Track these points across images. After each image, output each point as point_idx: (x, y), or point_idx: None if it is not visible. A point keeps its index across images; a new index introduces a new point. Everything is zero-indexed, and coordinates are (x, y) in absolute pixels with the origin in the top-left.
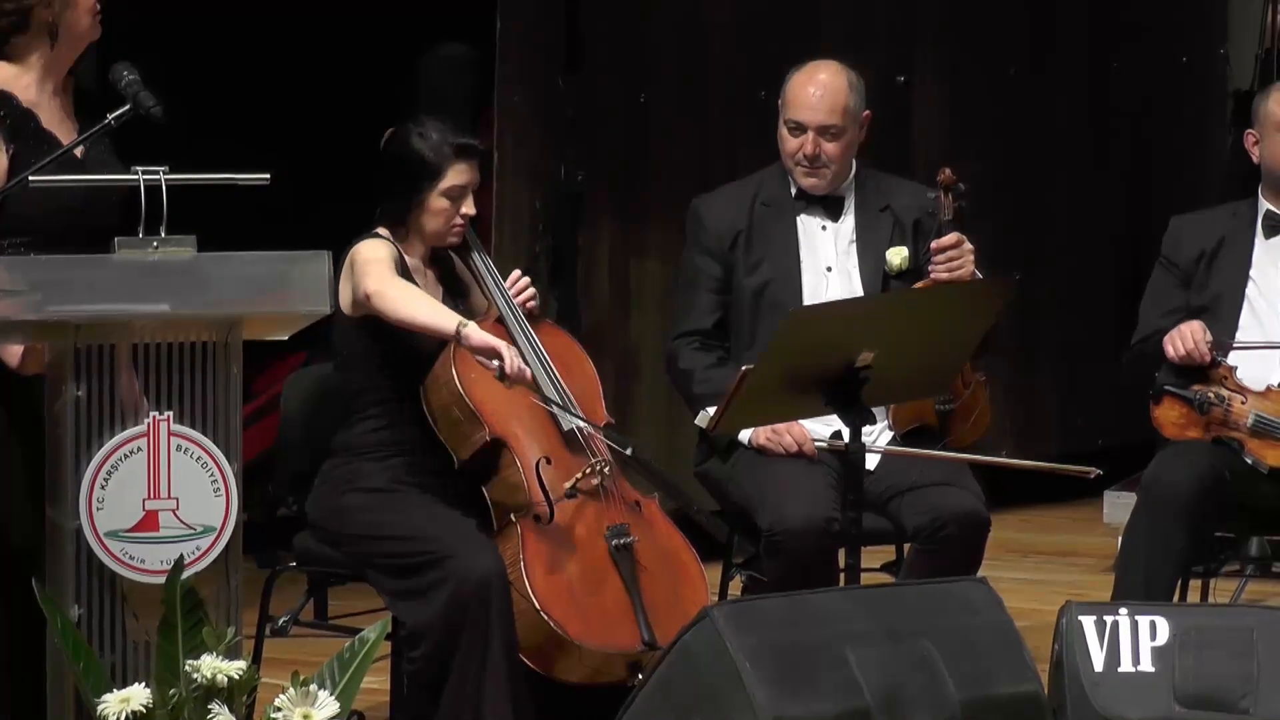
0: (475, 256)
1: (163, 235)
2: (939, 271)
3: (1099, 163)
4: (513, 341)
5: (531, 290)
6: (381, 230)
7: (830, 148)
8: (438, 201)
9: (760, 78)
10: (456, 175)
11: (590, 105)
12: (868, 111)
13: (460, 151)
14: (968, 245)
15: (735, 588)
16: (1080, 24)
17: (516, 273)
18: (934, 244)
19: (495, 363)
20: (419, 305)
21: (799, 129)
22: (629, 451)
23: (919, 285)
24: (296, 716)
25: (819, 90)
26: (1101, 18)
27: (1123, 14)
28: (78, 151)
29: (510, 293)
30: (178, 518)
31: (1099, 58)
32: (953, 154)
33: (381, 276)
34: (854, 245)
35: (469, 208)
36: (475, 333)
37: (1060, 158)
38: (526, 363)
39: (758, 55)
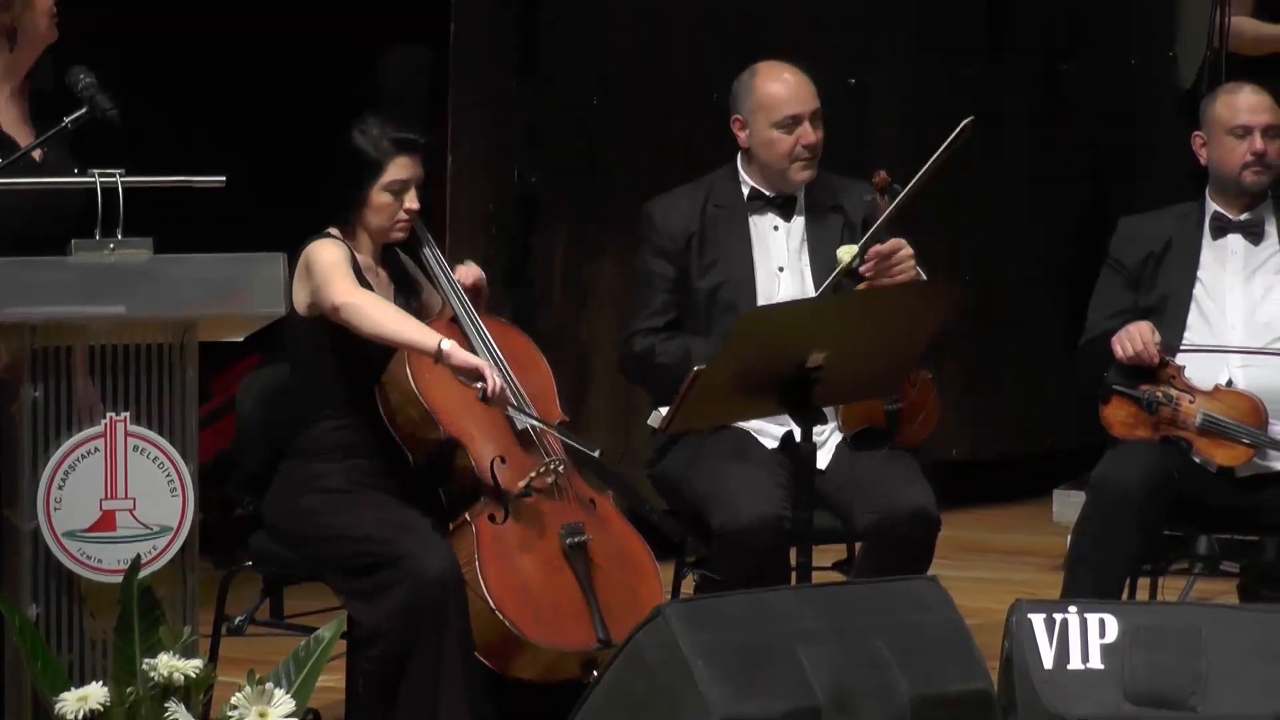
0: (427, 253)
1: (119, 237)
2: (877, 278)
3: (1052, 165)
4: (466, 338)
5: (479, 274)
6: (333, 230)
7: (820, 134)
8: (380, 197)
9: (713, 80)
10: (398, 170)
11: (544, 108)
12: None
13: (400, 145)
14: (906, 250)
15: (688, 586)
16: (1032, 27)
17: (464, 268)
18: (871, 250)
19: (479, 385)
20: (388, 320)
21: (795, 122)
22: (593, 452)
23: (862, 287)
24: (253, 715)
25: (793, 82)
26: (1052, 20)
27: (1072, 17)
28: (36, 154)
29: (459, 280)
30: (135, 518)
31: (1050, 61)
32: (907, 156)
33: (348, 290)
34: (805, 245)
35: (413, 202)
36: (458, 353)
37: (1014, 161)
38: (476, 353)
39: (710, 58)
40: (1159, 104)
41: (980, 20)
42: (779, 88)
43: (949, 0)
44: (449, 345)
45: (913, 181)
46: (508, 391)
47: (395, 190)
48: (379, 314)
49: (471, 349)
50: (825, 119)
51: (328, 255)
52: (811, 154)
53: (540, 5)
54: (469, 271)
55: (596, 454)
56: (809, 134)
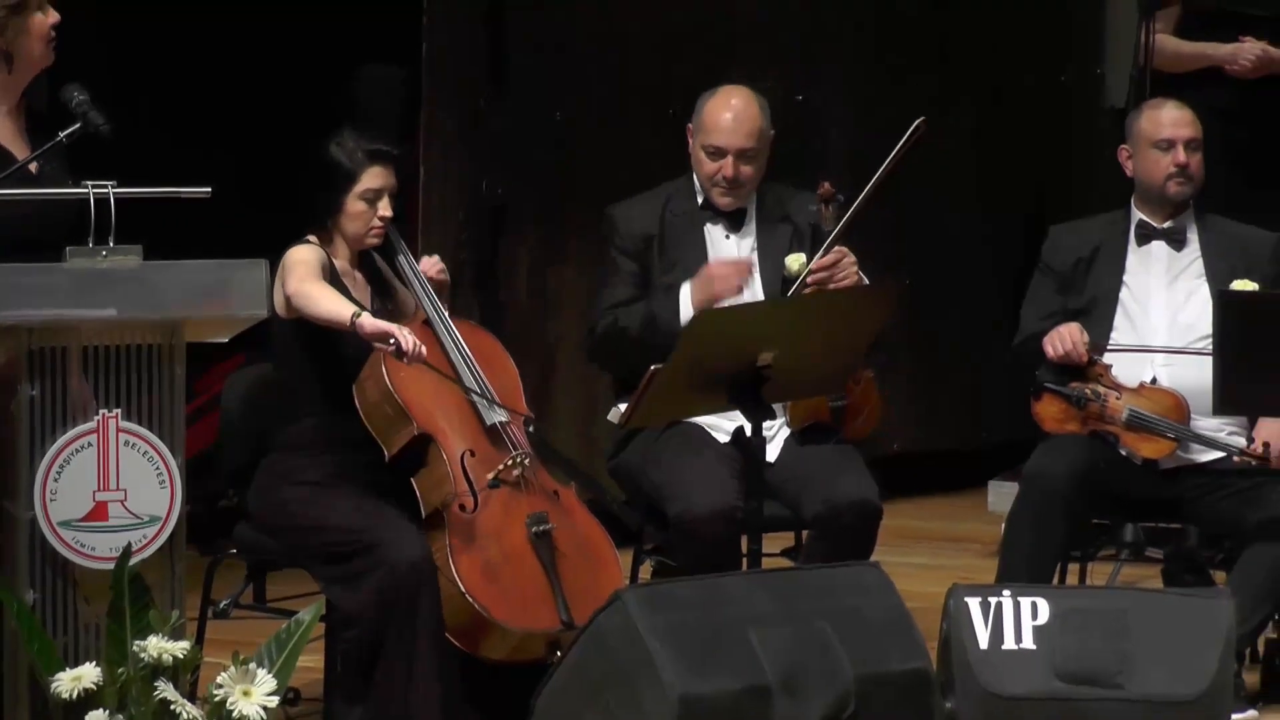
0: (401, 260)
1: (111, 245)
2: (823, 284)
3: (989, 176)
4: (439, 341)
5: (442, 265)
6: (311, 237)
7: (746, 169)
8: (355, 204)
9: (670, 96)
10: (371, 179)
11: (511, 123)
12: (772, 131)
13: (373, 156)
14: (849, 259)
15: (646, 572)
16: (970, 43)
17: (432, 258)
18: (815, 263)
19: (392, 343)
20: (320, 300)
21: (718, 153)
22: (529, 427)
23: (808, 290)
24: (237, 693)
25: (735, 116)
26: (987, 37)
27: (1006, 34)
28: (32, 167)
29: (424, 271)
30: (126, 508)
31: (986, 77)
32: (853, 167)
33: (301, 277)
34: (755, 253)
35: (386, 210)
36: (368, 320)
37: (954, 173)
38: (447, 352)
39: (668, 75)
40: (1088, 120)
41: (932, 33)
42: (720, 116)
43: (900, 14)
44: (361, 316)
45: (869, 186)
46: (423, 349)
47: (369, 198)
48: (316, 294)
49: (443, 349)
50: (777, 130)
51: (297, 256)
52: (729, 185)
53: (508, 25)
54: (432, 264)
55: (531, 429)
56: (727, 167)
